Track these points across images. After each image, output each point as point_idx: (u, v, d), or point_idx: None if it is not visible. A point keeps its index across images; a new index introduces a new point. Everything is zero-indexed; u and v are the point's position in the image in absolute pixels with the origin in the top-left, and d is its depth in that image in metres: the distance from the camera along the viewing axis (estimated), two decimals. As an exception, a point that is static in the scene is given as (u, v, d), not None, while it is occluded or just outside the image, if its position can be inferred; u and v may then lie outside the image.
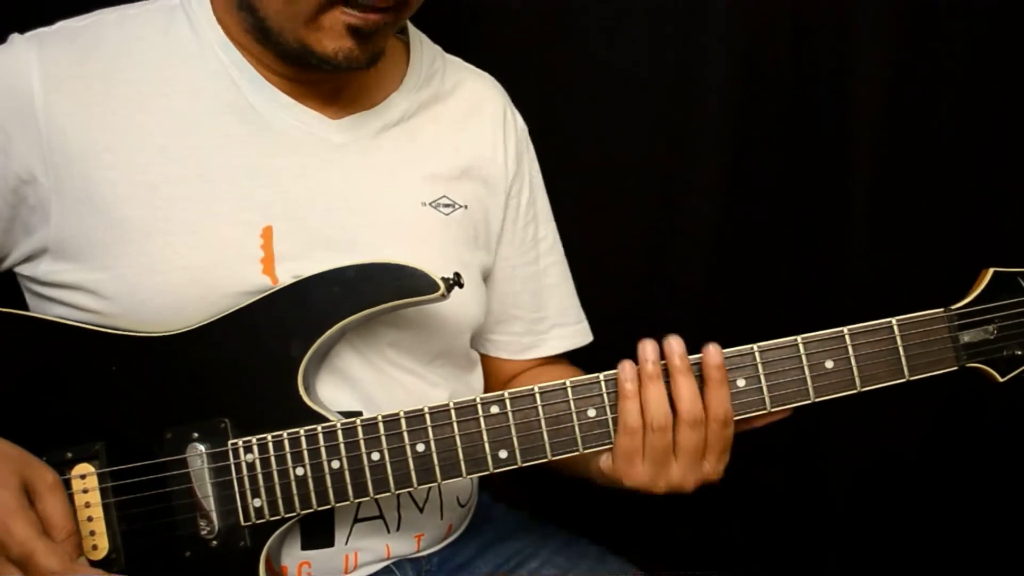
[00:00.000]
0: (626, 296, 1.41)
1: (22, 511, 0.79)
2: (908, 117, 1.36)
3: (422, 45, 1.05)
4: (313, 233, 0.92)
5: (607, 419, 0.87)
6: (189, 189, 0.89)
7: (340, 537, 0.95)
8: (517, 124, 1.11)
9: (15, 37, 0.92)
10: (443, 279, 0.89)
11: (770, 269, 1.43)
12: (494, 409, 0.87)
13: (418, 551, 1.02)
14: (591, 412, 0.87)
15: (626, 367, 0.85)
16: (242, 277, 0.89)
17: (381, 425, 0.87)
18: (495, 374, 1.14)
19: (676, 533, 1.49)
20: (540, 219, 1.13)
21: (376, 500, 0.96)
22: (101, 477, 0.87)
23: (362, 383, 0.94)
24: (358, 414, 0.90)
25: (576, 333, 1.15)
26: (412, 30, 1.05)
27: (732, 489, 1.50)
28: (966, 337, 0.89)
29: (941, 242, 1.41)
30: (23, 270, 0.93)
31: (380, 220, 0.95)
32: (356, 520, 0.96)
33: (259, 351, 0.89)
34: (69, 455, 0.87)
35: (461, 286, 0.91)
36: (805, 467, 1.49)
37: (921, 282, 1.40)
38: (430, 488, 1.01)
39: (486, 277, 1.08)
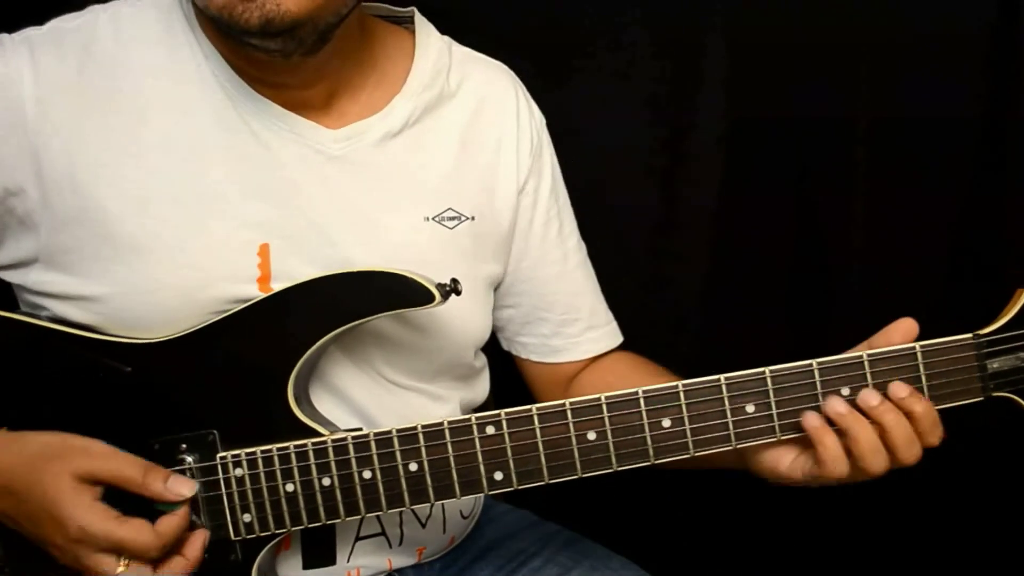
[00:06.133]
0: (625, 295, 1.37)
1: (88, 506, 0.78)
2: (909, 112, 1.34)
3: (429, 38, 0.97)
4: (311, 251, 0.87)
5: (608, 443, 0.83)
6: (182, 207, 0.85)
7: (342, 556, 0.93)
8: (533, 115, 1.03)
9: (4, 39, 0.87)
10: (438, 285, 0.84)
11: (770, 268, 1.41)
12: (490, 430, 0.84)
13: (419, 562, 1.01)
14: (591, 435, 0.83)
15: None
16: (238, 296, 0.85)
17: (373, 443, 0.84)
18: (544, 379, 1.08)
19: (679, 532, 1.48)
20: (564, 215, 1.06)
21: (378, 517, 0.94)
22: (87, 488, 0.85)
23: (361, 402, 0.91)
24: (357, 430, 0.86)
25: (607, 335, 1.08)
26: (419, 20, 0.98)
27: (733, 489, 1.49)
28: (995, 365, 0.83)
29: (942, 240, 1.38)
30: (13, 278, 0.90)
31: (379, 238, 0.90)
32: (358, 538, 0.94)
33: (247, 361, 0.85)
34: (55, 465, 0.84)
35: (459, 293, 0.86)
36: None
37: (922, 279, 1.38)
38: (432, 505, 0.99)
39: (497, 287, 1.02)
